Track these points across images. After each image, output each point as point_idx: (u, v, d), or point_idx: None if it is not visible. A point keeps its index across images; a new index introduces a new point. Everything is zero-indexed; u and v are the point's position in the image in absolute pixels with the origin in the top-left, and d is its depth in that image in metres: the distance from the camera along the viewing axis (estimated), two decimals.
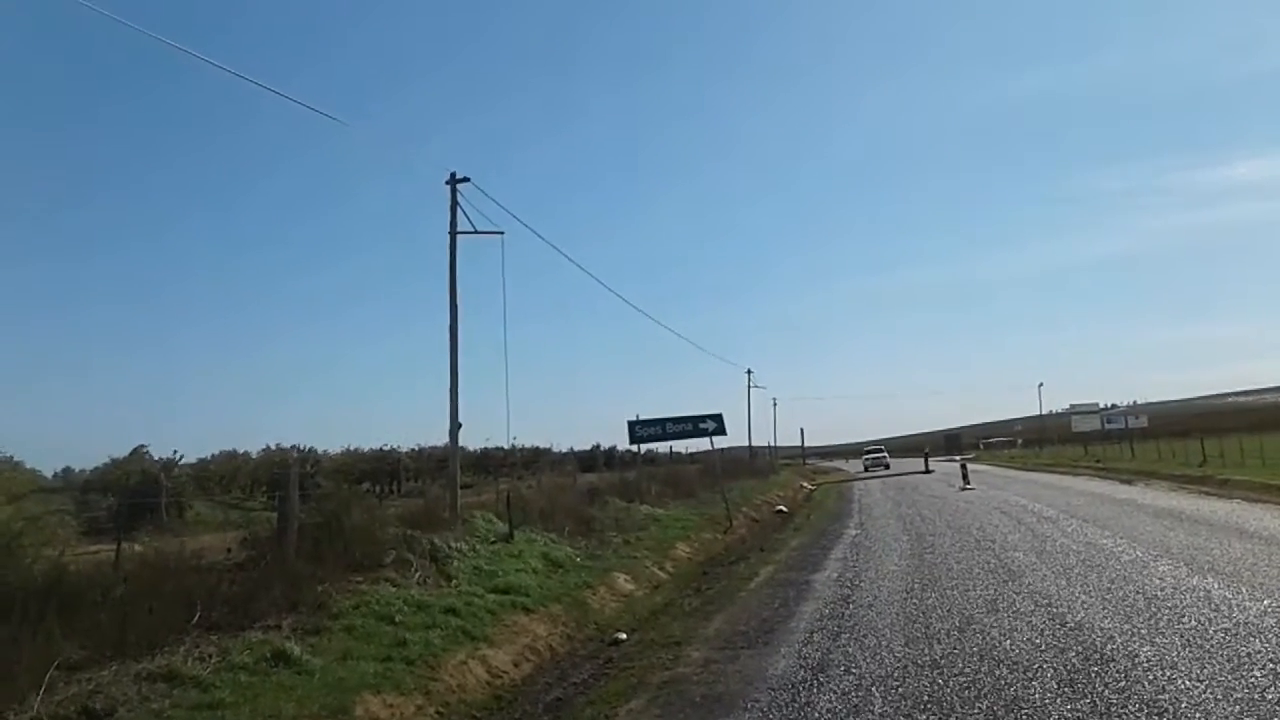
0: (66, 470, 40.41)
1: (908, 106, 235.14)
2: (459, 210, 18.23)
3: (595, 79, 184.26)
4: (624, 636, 11.04)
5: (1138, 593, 10.49)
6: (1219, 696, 6.35)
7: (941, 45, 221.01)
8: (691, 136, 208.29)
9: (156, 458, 34.61)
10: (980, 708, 6.54)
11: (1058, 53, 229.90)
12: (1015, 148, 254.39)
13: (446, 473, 19.95)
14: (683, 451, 42.53)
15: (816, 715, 6.77)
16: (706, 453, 33.08)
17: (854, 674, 7.85)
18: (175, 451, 35.71)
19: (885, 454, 70.62)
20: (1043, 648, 8.18)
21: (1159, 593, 10.40)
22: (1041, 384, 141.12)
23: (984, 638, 8.77)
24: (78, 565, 9.74)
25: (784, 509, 31.66)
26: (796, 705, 7.08)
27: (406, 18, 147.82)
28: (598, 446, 66.61)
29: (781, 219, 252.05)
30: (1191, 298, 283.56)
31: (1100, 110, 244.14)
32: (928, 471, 52.18)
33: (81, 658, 7.52)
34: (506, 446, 40.16)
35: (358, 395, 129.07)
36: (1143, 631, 8.50)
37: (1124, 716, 6.08)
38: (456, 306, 18.07)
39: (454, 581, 12.06)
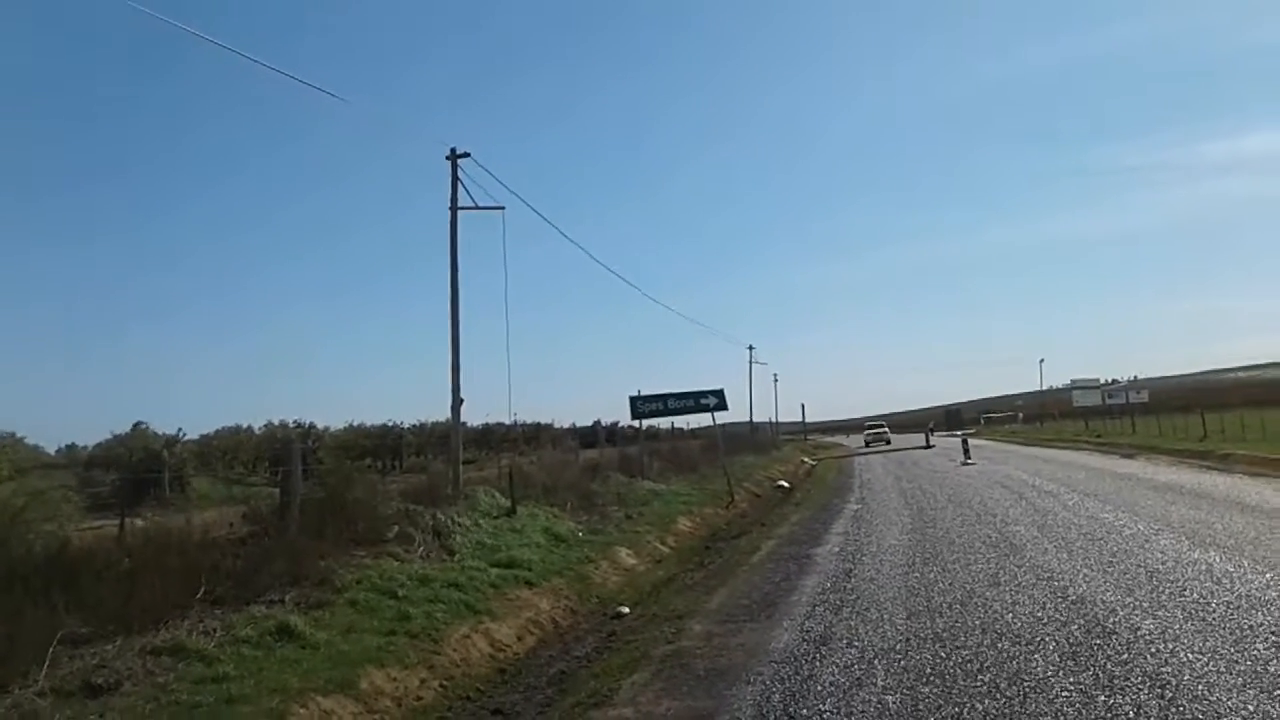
0: (69, 447, 40.54)
1: (908, 86, 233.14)
2: (460, 185, 18.17)
3: (598, 64, 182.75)
4: (626, 610, 11.08)
5: (1139, 566, 10.49)
6: (1221, 669, 6.35)
7: (941, 23, 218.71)
8: (695, 119, 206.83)
9: (159, 434, 34.73)
10: (983, 680, 6.55)
11: (1058, 29, 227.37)
12: (1013, 125, 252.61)
13: (449, 448, 19.97)
14: (684, 427, 42.72)
15: (819, 688, 6.77)
16: (708, 428, 33.16)
17: (856, 647, 7.86)
18: (178, 429, 35.83)
19: (886, 429, 70.73)
20: (1045, 621, 8.18)
21: (1161, 566, 10.40)
22: (1043, 360, 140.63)
23: (986, 611, 8.78)
24: (81, 540, 9.77)
25: (785, 484, 31.75)
26: (799, 678, 7.09)
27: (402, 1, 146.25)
28: (599, 422, 66.84)
29: (783, 197, 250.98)
30: (1193, 273, 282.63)
31: (1098, 86, 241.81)
32: (929, 447, 52.24)
33: (85, 632, 7.55)
34: (508, 422, 40.32)
35: (360, 371, 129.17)
36: (1145, 605, 8.51)
37: (1126, 689, 6.08)
38: (457, 282, 18.05)
39: (457, 556, 12.10)
